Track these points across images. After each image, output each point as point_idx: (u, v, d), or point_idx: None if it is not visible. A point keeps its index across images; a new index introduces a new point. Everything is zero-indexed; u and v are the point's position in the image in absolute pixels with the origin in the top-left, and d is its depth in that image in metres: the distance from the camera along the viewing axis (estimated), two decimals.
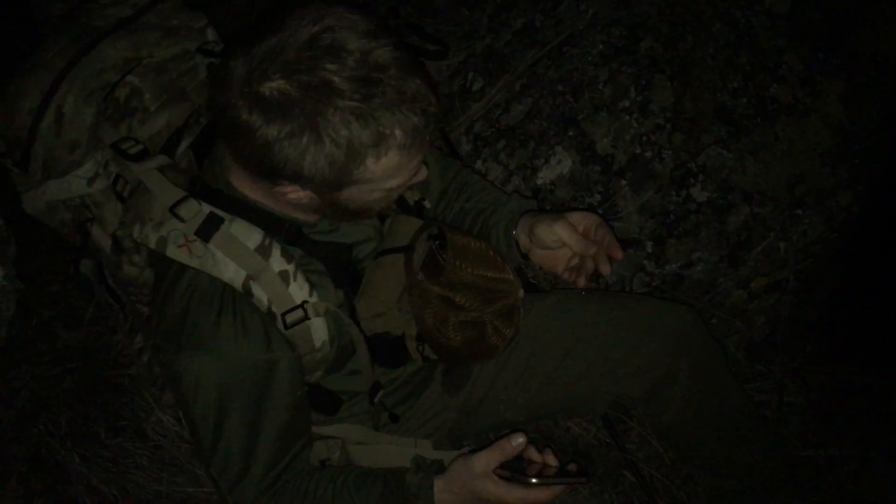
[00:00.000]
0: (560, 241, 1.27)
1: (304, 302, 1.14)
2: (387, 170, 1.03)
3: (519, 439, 1.11)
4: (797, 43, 1.97)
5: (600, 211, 1.93)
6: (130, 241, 1.22)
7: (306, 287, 1.15)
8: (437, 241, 1.29)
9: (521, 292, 1.24)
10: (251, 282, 1.10)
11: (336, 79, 0.94)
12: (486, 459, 1.12)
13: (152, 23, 1.33)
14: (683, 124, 1.93)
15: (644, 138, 1.93)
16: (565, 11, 2.11)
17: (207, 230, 1.09)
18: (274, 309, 1.12)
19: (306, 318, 1.14)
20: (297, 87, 0.95)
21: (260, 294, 1.11)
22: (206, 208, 1.10)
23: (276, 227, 1.16)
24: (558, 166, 1.98)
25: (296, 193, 1.07)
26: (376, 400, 1.33)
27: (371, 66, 0.96)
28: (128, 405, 1.68)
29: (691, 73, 1.94)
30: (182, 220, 1.09)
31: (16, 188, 1.35)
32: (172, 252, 1.09)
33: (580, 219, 1.32)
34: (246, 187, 1.14)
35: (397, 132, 0.98)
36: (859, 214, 2.10)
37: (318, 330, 1.17)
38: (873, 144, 2.03)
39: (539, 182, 1.99)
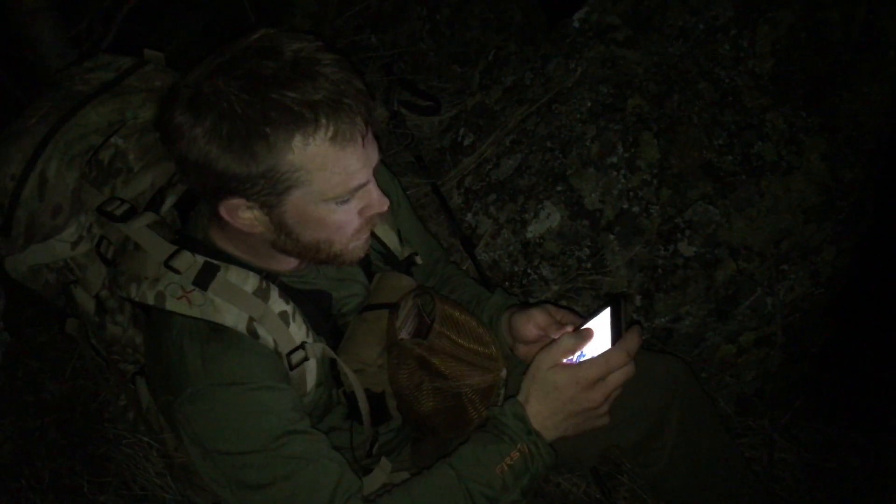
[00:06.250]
0: (537, 325, 1.28)
1: (304, 342, 1.14)
2: (321, 165, 0.99)
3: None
4: (780, 102, 2.02)
5: (588, 265, 1.95)
6: (114, 301, 1.21)
7: (304, 328, 1.15)
8: (426, 305, 1.27)
9: (504, 372, 1.23)
10: (255, 324, 1.09)
11: (266, 71, 0.95)
12: (547, 352, 1.13)
13: (135, 85, 1.34)
14: (670, 180, 1.96)
15: (631, 194, 1.96)
16: (554, 69, 2.16)
17: (204, 279, 1.09)
18: (280, 349, 1.12)
19: (306, 358, 1.14)
20: (228, 81, 0.95)
21: (265, 335, 1.10)
22: (200, 259, 1.10)
23: None
24: (547, 220, 2.00)
25: (245, 214, 1.04)
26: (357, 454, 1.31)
27: (302, 60, 0.97)
28: (112, 458, 1.66)
29: (677, 131, 1.99)
30: (178, 272, 1.09)
31: None
32: (172, 305, 1.08)
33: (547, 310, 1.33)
34: (220, 239, 1.14)
35: (322, 119, 0.96)
36: (846, 270, 2.12)
37: (312, 372, 1.17)
38: (857, 201, 2.06)
39: (529, 235, 2.01)
